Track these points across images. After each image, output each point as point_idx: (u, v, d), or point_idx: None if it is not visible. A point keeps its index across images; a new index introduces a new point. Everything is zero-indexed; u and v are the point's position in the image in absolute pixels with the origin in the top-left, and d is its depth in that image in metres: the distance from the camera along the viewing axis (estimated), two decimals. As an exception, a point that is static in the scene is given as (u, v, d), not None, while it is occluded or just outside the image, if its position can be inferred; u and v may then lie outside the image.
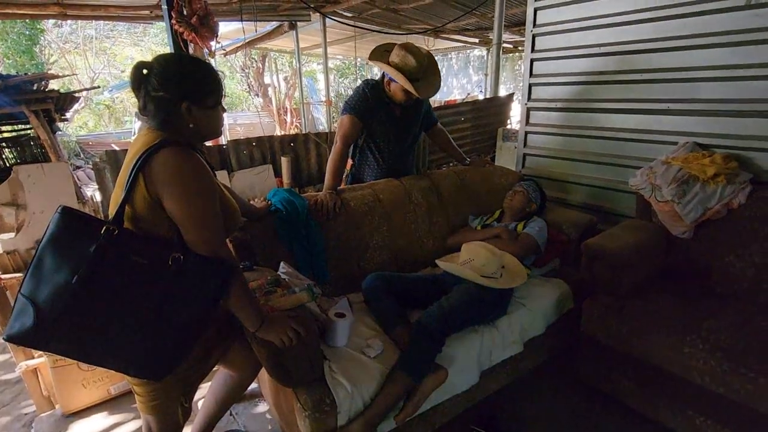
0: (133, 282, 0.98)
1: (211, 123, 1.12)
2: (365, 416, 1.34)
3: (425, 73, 1.98)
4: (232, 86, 13.82)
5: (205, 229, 1.03)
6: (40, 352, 1.88)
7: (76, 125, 12.53)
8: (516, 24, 7.28)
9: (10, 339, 0.95)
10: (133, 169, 0.98)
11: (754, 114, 1.91)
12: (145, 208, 1.00)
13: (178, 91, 1.03)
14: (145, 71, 1.03)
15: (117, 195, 1.04)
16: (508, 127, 5.67)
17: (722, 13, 1.92)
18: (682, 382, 1.56)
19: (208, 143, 3.49)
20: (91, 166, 8.39)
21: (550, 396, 1.94)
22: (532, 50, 2.73)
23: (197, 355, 1.19)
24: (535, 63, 2.75)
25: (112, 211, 1.02)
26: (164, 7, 2.73)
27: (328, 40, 7.04)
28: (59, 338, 0.96)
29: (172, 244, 1.02)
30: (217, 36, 2.90)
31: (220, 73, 1.10)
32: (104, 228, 0.96)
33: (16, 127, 6.25)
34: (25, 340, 0.94)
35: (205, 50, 2.98)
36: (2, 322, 1.88)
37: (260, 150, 3.91)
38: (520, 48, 10.01)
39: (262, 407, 1.93)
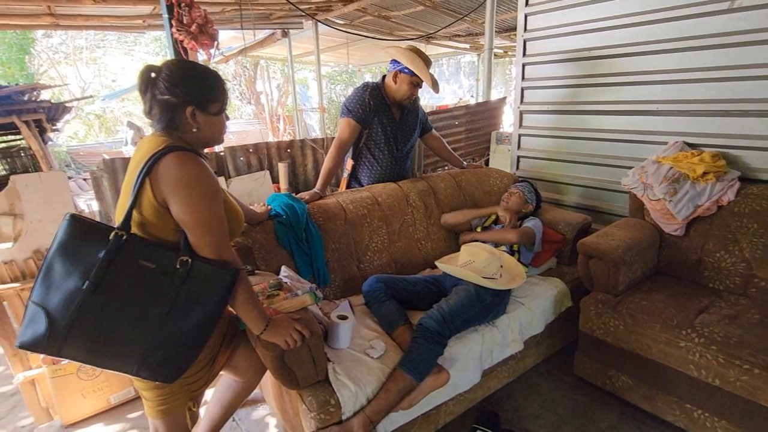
0: (142, 286, 1.00)
1: (215, 129, 1.14)
2: (366, 411, 1.35)
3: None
4: (225, 94, 13.80)
5: (211, 233, 1.05)
6: (38, 363, 1.87)
7: (67, 135, 12.46)
8: (506, 29, 7.39)
9: (22, 346, 0.95)
10: (140, 175, 0.99)
11: (740, 113, 1.97)
12: (152, 212, 1.02)
13: (185, 95, 1.04)
14: (153, 74, 1.04)
15: (124, 200, 1.05)
16: (501, 130, 5.73)
17: (707, 16, 1.98)
18: (678, 376, 1.59)
19: (205, 150, 3.50)
20: (82, 177, 8.36)
21: (551, 393, 1.97)
22: (524, 55, 2.78)
23: (204, 360, 1.20)
24: (526, 67, 2.80)
25: (119, 217, 1.03)
26: (165, 15, 2.75)
27: (320, 47, 7.09)
28: (71, 343, 0.96)
29: (178, 247, 1.04)
30: (217, 43, 2.93)
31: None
32: (113, 233, 0.97)
33: (6, 138, 6.20)
34: (38, 346, 0.95)
35: (200, 56, 3.00)
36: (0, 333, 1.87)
37: (257, 156, 3.91)
38: (509, 53, 10.14)
39: (263, 411, 1.93)
